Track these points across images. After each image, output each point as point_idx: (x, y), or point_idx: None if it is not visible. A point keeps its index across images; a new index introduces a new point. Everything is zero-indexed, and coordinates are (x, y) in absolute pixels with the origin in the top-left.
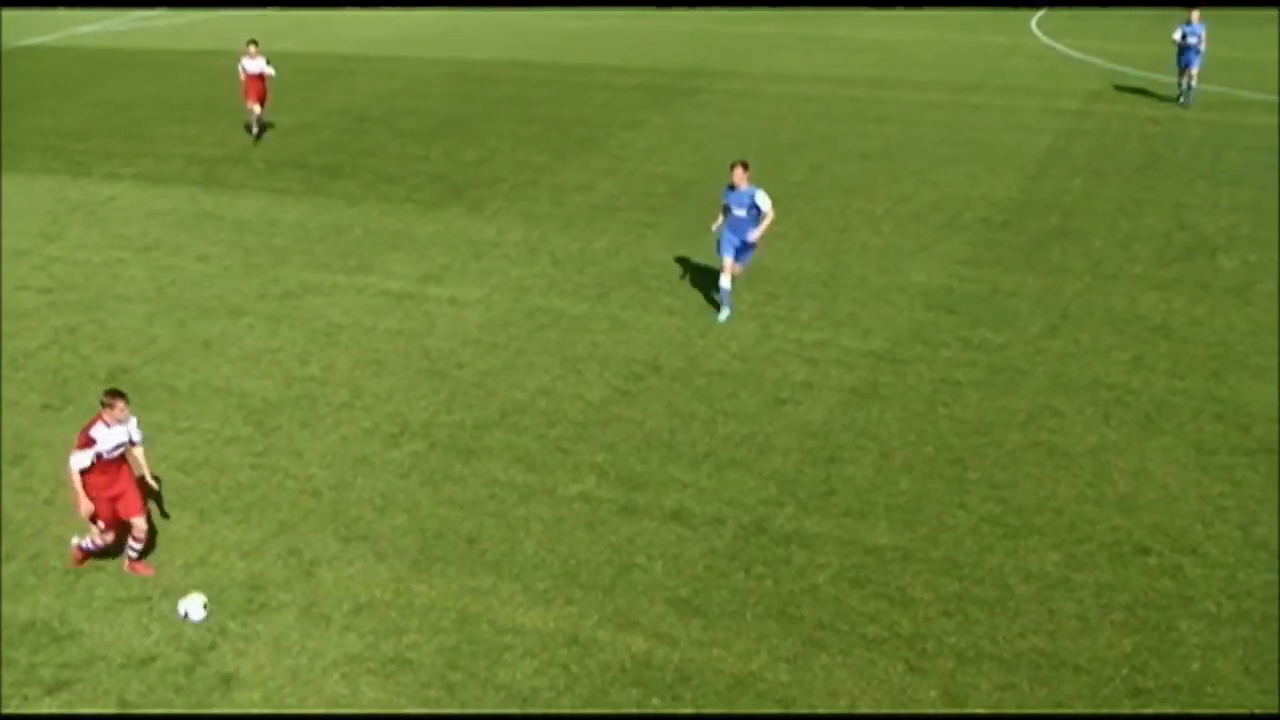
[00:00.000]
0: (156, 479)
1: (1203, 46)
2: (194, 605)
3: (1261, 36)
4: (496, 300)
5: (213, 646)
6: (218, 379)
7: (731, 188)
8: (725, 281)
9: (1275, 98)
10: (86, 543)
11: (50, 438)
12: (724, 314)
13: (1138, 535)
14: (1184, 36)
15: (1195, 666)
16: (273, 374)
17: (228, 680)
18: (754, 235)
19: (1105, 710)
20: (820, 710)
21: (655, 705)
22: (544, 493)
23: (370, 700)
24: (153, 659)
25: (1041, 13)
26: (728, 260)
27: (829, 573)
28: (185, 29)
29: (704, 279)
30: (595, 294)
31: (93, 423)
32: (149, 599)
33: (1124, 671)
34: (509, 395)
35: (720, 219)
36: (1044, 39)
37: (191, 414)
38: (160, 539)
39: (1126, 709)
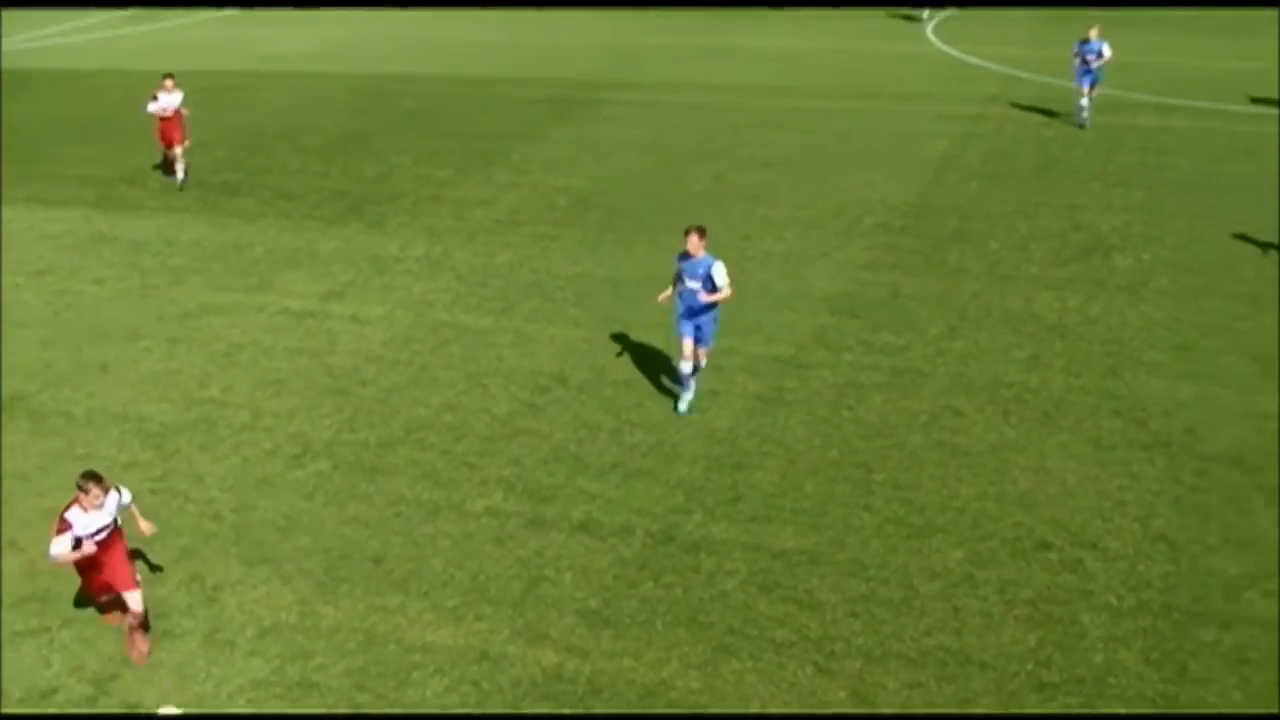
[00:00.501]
0: (147, 523)
1: (1098, 63)
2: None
3: (1152, 40)
4: (399, 316)
5: (115, 677)
6: (115, 404)
7: (685, 255)
8: (684, 366)
9: (1164, 100)
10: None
11: None
12: (684, 403)
13: (1039, 531)
14: (1082, 57)
15: (1098, 659)
16: (171, 397)
17: (132, 710)
18: (705, 298)
19: (1012, 707)
20: (732, 712)
21: (568, 716)
22: (451, 509)
23: None
24: (54, 691)
25: (936, 19)
26: (687, 342)
27: (737, 579)
28: (84, 48)
29: (607, 289)
30: (499, 308)
31: (68, 506)
32: (48, 630)
33: (1029, 666)
34: (413, 412)
35: (669, 289)
36: (940, 45)
37: (89, 440)
38: (59, 571)
39: (1032, 703)
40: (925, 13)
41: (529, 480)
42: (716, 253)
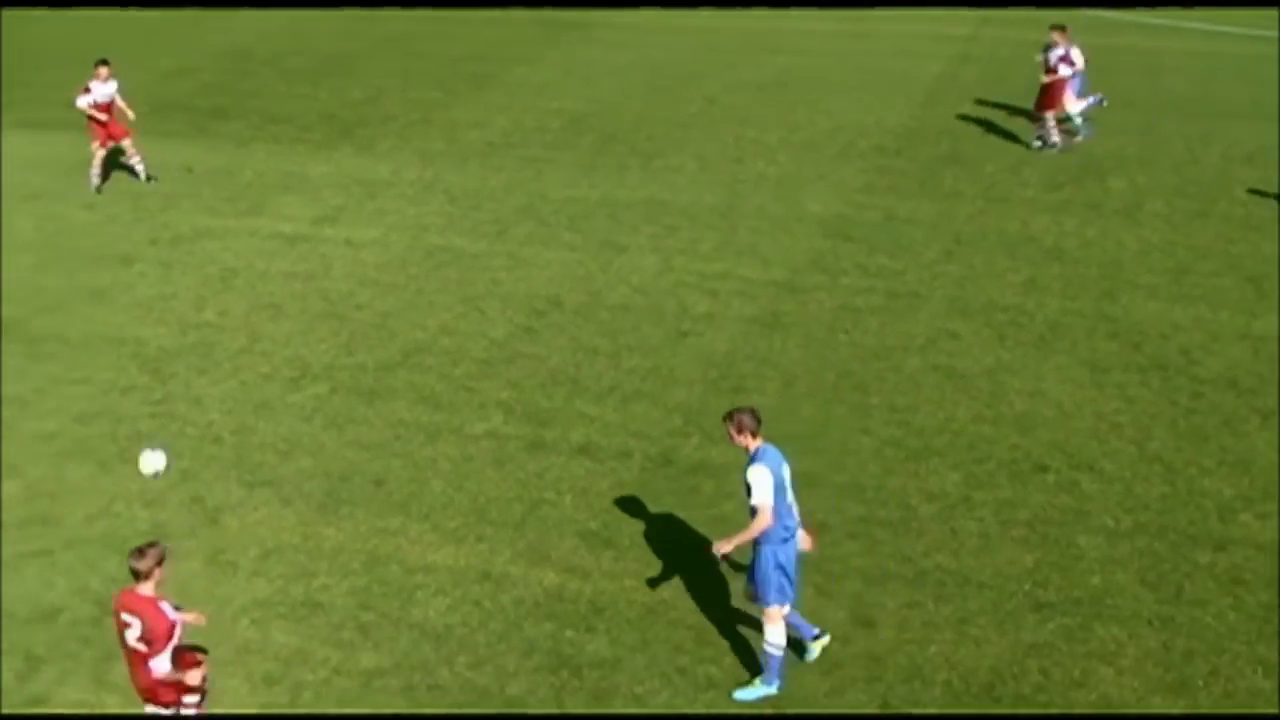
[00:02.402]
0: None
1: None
2: (153, 461)
3: None
4: (393, 240)
5: None
6: (111, 328)
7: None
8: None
9: (1157, 20)
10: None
11: None
12: (813, 652)
13: (1035, 453)
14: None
15: (1095, 580)
16: (167, 321)
17: None
18: (722, 548)
19: (1009, 626)
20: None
21: (569, 637)
22: (450, 432)
23: (282, 644)
24: (59, 611)
25: None
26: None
27: (736, 501)
28: None
29: (601, 213)
30: (494, 231)
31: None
32: (51, 552)
33: (1026, 586)
34: (410, 335)
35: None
36: None
37: (86, 364)
38: (60, 490)
39: (1029, 623)
40: None
41: (527, 403)
42: (709, 175)
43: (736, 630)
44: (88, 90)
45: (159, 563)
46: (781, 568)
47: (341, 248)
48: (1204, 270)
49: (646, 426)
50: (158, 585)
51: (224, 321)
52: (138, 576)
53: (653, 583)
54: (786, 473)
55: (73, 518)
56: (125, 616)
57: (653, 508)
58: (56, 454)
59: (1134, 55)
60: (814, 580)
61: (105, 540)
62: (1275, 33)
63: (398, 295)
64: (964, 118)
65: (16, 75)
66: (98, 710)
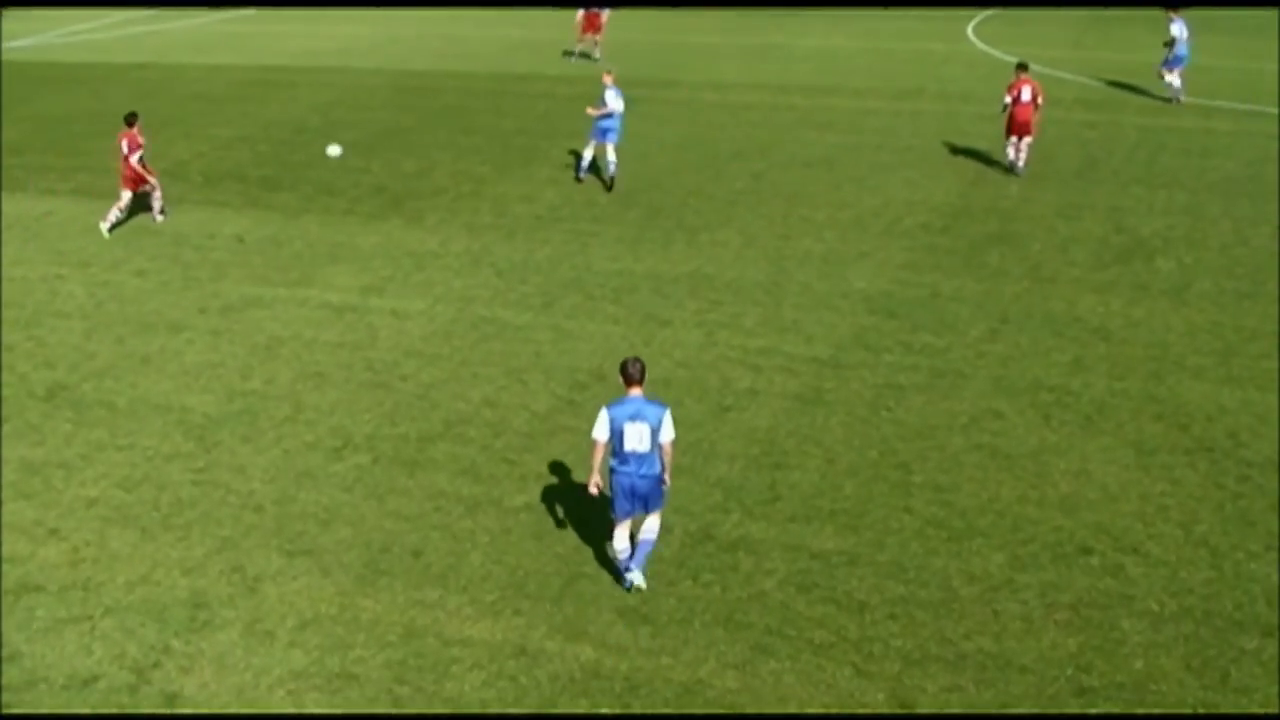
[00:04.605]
0: None
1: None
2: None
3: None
4: (440, 311)
5: (156, 665)
6: (157, 395)
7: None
8: (622, 540)
9: (1206, 102)
10: None
11: None
12: (636, 578)
13: (1080, 535)
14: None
15: (1139, 665)
16: (213, 389)
17: (172, 699)
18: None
19: (1051, 710)
20: (769, 712)
21: (605, 715)
22: (490, 504)
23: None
24: (95, 679)
25: (978, 18)
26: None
27: (776, 578)
28: (112, 44)
29: (646, 286)
30: (539, 304)
31: None
32: (90, 618)
33: (1069, 671)
34: (453, 406)
35: (603, 439)
36: (980, 45)
37: (131, 430)
38: (101, 556)
39: (1073, 708)
40: None
41: (568, 477)
42: (755, 251)
43: (772, 709)
44: (140, 145)
45: None
46: (616, 489)
47: (388, 318)
48: (1252, 352)
49: (687, 501)
50: None
51: (269, 390)
52: None
53: (689, 661)
54: (637, 425)
55: (113, 584)
56: None
57: (691, 584)
58: (99, 519)
59: (1181, 135)
60: (852, 660)
61: (144, 607)
62: None
63: (442, 366)
64: (1011, 197)
65: (69, 143)
66: None
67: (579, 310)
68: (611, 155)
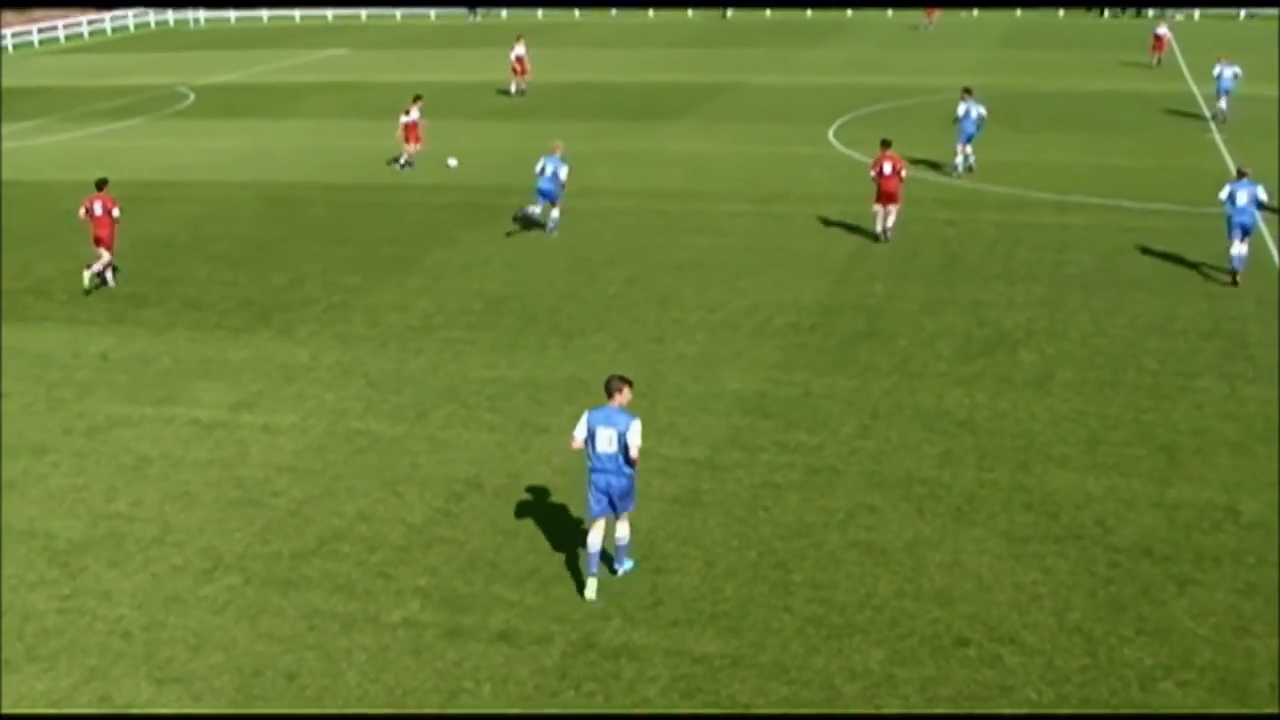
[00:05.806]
0: None
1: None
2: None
3: (1044, 139)
4: (311, 425)
5: None
6: (20, 521)
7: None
8: (594, 540)
9: (1061, 197)
10: None
11: None
12: (590, 589)
13: (957, 626)
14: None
15: None
16: (78, 513)
17: None
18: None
19: None
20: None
21: None
22: (366, 621)
23: None
24: None
25: (838, 123)
26: (600, 519)
27: (659, 685)
28: None
29: (522, 394)
30: (413, 414)
31: None
32: None
33: None
34: (327, 522)
35: (579, 440)
36: (841, 148)
37: None
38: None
39: None
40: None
41: (446, 589)
42: (630, 355)
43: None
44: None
45: None
46: (590, 488)
47: (258, 434)
48: (1115, 440)
49: (567, 610)
50: None
51: (136, 512)
52: None
53: None
54: (608, 429)
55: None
56: None
57: (574, 694)
58: None
59: (1037, 230)
60: None
61: None
62: (1170, 206)
63: (315, 481)
64: (877, 294)
65: None
66: None
67: (454, 419)
68: (555, 213)
